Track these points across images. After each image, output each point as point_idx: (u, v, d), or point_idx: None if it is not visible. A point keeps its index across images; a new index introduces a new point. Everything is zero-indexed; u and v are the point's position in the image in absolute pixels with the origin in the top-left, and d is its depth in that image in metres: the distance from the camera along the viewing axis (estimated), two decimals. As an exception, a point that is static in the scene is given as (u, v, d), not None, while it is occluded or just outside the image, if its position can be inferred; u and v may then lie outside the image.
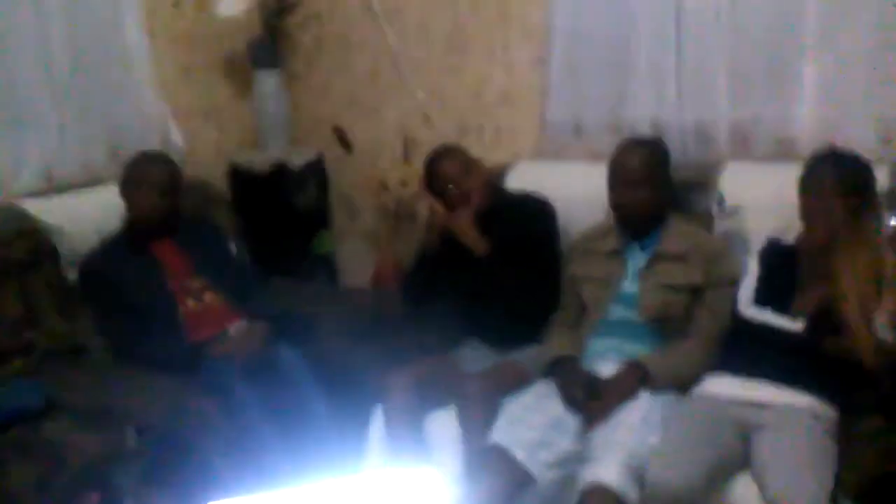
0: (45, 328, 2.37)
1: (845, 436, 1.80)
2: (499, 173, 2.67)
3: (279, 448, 2.09)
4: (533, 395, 2.09)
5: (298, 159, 3.19)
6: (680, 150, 2.49)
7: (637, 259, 2.23)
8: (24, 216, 2.44)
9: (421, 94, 3.06)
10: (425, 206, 2.46)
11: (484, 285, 2.28)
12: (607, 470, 1.79)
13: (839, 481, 1.69)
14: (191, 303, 2.41)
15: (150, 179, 2.40)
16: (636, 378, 2.03)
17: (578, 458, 1.92)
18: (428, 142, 3.01)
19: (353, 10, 3.15)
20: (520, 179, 2.64)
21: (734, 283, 2.13)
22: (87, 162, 2.72)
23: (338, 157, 3.27)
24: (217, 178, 3.13)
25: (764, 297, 2.05)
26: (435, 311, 2.44)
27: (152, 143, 2.78)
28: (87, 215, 2.55)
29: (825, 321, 1.88)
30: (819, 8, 2.33)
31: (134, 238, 2.44)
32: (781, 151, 2.43)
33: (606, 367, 2.10)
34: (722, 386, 1.97)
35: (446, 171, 2.37)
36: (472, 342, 2.39)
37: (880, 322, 1.77)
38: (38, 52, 2.56)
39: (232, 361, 2.24)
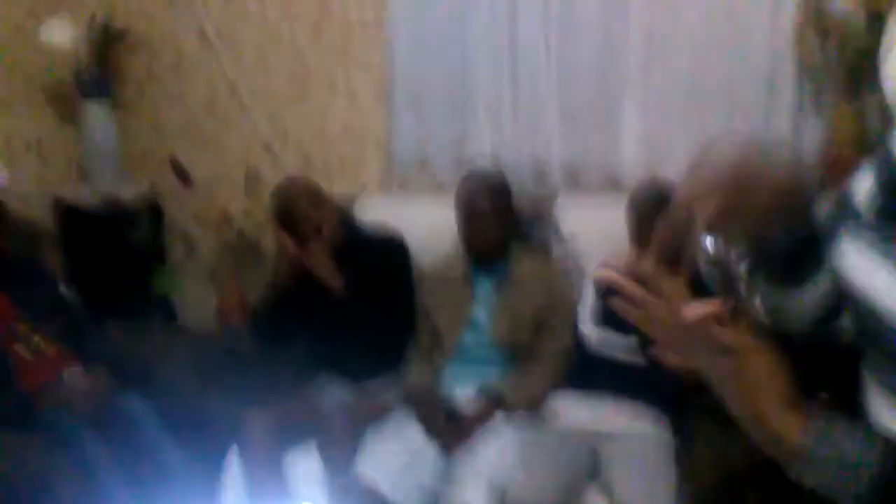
0: None
1: (685, 448, 1.98)
2: (348, 206, 2.69)
3: (131, 502, 1.98)
4: (393, 426, 2.13)
5: (130, 193, 3.03)
6: (518, 184, 2.63)
7: (485, 287, 2.34)
8: None
9: (263, 125, 3.02)
10: (276, 240, 2.44)
11: (340, 319, 2.28)
12: (472, 494, 1.86)
13: (682, 489, 1.86)
14: (21, 349, 2.22)
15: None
16: (491, 403, 2.12)
17: (442, 485, 1.97)
18: (271, 174, 2.98)
19: (186, 37, 3.05)
20: (366, 212, 2.68)
21: (574, 305, 2.30)
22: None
23: (175, 190, 3.14)
24: (42, 214, 2.91)
25: (602, 317, 2.22)
26: (289, 347, 2.41)
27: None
28: None
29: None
30: (638, 50, 2.55)
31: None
32: (609, 186, 2.63)
33: (463, 393, 2.17)
34: (571, 408, 2.11)
35: (298, 205, 2.36)
36: (329, 376, 2.38)
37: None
38: None
39: (72, 411, 2.10)
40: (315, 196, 2.39)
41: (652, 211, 2.16)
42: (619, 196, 2.34)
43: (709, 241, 0.88)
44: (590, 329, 2.21)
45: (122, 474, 2.03)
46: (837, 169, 2.01)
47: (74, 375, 2.24)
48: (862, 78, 2.24)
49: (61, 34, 2.76)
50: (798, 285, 0.88)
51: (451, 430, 2.07)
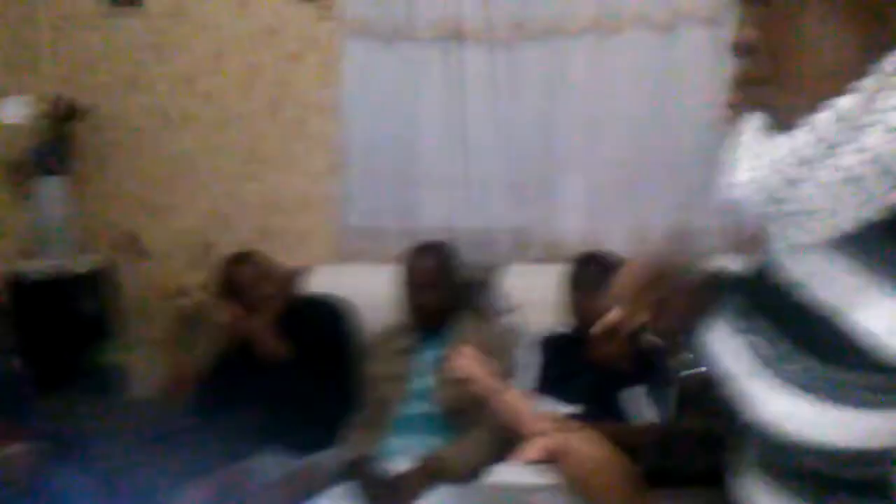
0: None
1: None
2: (298, 277, 2.72)
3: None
4: (333, 499, 2.10)
5: (84, 266, 3.06)
6: (466, 252, 2.68)
7: (429, 355, 2.36)
8: None
9: (219, 198, 3.08)
10: (222, 312, 2.45)
11: (281, 391, 2.28)
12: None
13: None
14: (-42, 425, 2.20)
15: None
16: (429, 473, 2.11)
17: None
18: (227, 245, 3.01)
19: (147, 114, 3.14)
20: (319, 282, 2.72)
21: (516, 375, 2.31)
22: None
23: (128, 262, 3.17)
24: (-6, 288, 2.92)
25: (543, 385, 2.23)
26: (231, 418, 2.39)
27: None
28: None
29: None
30: (579, 125, 2.64)
31: None
32: (553, 254, 2.69)
33: (405, 464, 2.16)
34: (507, 474, 2.10)
35: (243, 276, 2.39)
36: (269, 448, 2.36)
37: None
38: None
39: (10, 486, 2.07)
40: (261, 267, 2.42)
41: (586, 283, 2.20)
42: (562, 265, 2.39)
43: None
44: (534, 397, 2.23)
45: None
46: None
47: (15, 453, 2.22)
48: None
49: (19, 112, 2.82)
50: None
51: (390, 501, 2.05)
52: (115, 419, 2.65)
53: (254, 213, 3.07)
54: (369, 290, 2.64)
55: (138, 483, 2.28)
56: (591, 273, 2.24)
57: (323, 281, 2.71)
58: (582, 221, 2.67)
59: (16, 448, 2.23)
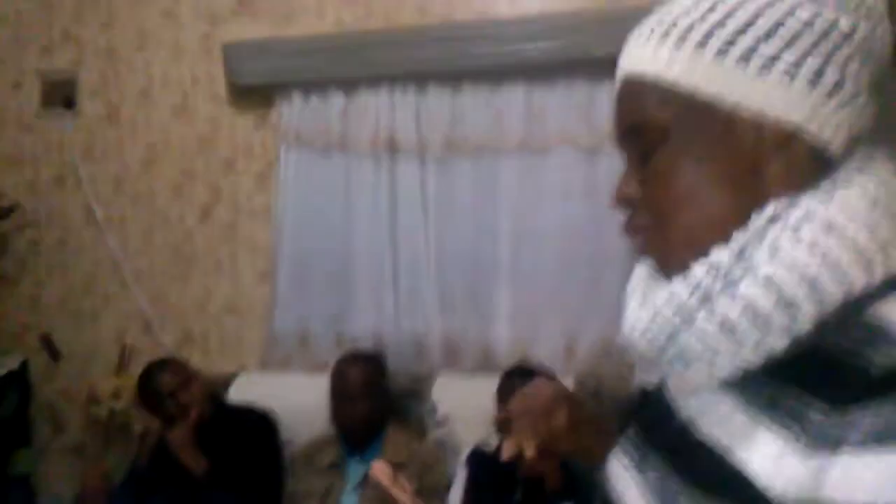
0: None
1: None
2: (222, 384, 2.65)
3: None
4: None
5: (-2, 369, 2.92)
6: (397, 361, 2.66)
7: (357, 471, 2.30)
8: None
9: (143, 302, 3.01)
10: (140, 420, 2.36)
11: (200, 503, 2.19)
12: None
13: None
14: None
15: None
16: None
17: None
18: (148, 350, 2.93)
19: (73, 216, 3.08)
20: (244, 390, 2.65)
21: (447, 489, 2.27)
22: None
23: (44, 366, 3.04)
24: None
25: (472, 501, 2.19)
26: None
27: None
28: None
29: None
30: (508, 235, 2.70)
31: None
32: (484, 364, 2.69)
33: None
34: None
35: (163, 385, 2.31)
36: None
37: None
38: None
39: None
40: (182, 376, 2.35)
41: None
42: (494, 374, 2.39)
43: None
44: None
45: None
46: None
47: None
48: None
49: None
50: None
51: None
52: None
53: (179, 317, 3.01)
54: (295, 400, 2.59)
55: None
56: (518, 386, 2.25)
57: (248, 389, 2.65)
58: (512, 331, 2.70)
59: None
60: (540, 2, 2.68)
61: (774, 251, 0.60)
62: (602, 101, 2.59)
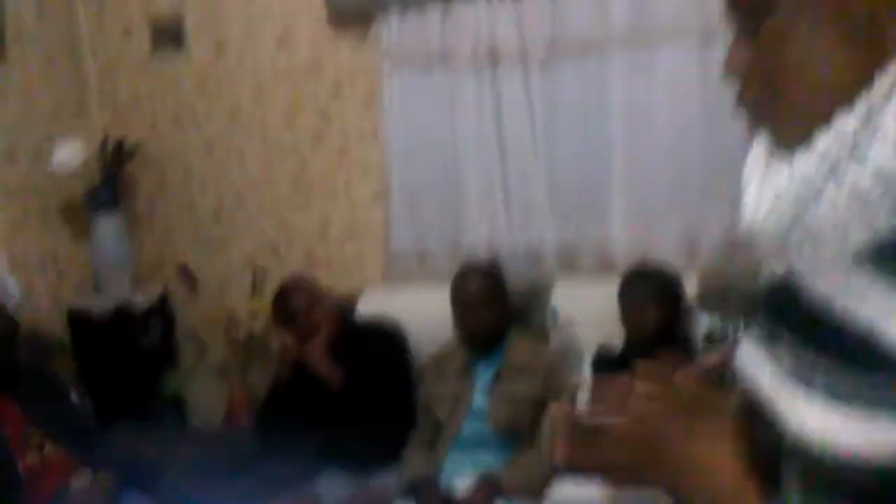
0: None
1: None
2: (349, 301, 2.76)
3: None
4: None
5: (141, 301, 3.14)
6: (514, 270, 2.69)
7: (484, 374, 2.37)
8: None
9: (268, 229, 3.15)
10: (277, 339, 2.50)
11: (339, 415, 2.31)
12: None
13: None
14: (30, 457, 2.28)
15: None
16: (490, 492, 2.12)
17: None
18: (277, 274, 3.07)
19: (194, 152, 3.23)
20: (369, 306, 2.75)
21: (573, 390, 2.31)
22: None
23: (184, 294, 3.25)
24: (56, 325, 3.02)
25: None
26: (290, 443, 2.43)
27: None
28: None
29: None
30: (620, 134, 2.63)
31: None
32: (602, 267, 2.69)
33: (463, 482, 2.17)
34: (571, 489, 2.10)
35: (295, 304, 2.44)
36: (330, 471, 2.39)
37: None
38: None
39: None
40: (312, 295, 2.46)
41: (641, 294, 2.20)
42: (613, 277, 2.38)
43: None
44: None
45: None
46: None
47: (82, 481, 2.28)
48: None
49: (73, 155, 2.92)
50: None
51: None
52: (181, 448, 2.71)
53: (302, 241, 3.13)
54: (419, 313, 2.67)
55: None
56: (641, 285, 2.24)
57: (373, 305, 2.75)
58: (630, 232, 2.66)
59: (84, 479, 2.29)
60: None
61: None
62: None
